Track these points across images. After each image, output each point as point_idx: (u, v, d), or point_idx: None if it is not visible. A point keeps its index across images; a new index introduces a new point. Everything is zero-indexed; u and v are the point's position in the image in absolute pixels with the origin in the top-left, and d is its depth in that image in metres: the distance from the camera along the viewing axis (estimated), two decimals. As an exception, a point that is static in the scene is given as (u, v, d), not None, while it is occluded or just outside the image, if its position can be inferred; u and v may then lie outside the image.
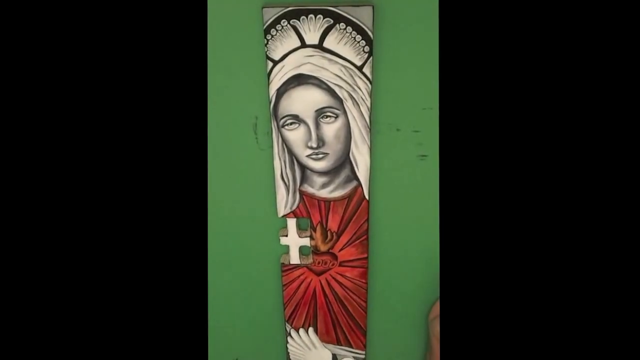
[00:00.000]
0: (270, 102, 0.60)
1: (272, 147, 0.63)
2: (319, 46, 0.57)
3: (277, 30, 0.56)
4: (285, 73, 0.58)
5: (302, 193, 0.66)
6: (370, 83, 0.59)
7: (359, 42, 0.56)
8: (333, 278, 0.72)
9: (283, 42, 0.57)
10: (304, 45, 0.57)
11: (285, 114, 0.61)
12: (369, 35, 0.56)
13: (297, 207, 0.67)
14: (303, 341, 0.77)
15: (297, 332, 0.77)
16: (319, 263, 0.71)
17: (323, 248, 0.70)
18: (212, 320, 0.75)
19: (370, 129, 0.61)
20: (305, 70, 0.58)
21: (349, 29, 0.56)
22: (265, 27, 0.56)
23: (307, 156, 0.63)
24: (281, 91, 0.59)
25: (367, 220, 0.67)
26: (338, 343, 0.77)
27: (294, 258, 0.71)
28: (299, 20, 0.56)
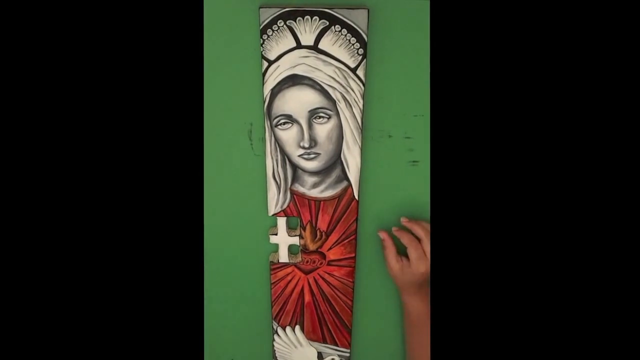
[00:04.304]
0: (264, 102, 0.61)
1: (264, 147, 0.64)
2: (314, 47, 0.57)
3: (273, 31, 0.57)
4: (280, 73, 0.59)
5: (292, 192, 0.67)
6: (364, 85, 0.59)
7: (353, 44, 0.57)
8: (321, 277, 0.72)
9: (279, 43, 0.57)
10: (299, 46, 0.57)
11: (278, 114, 0.61)
12: (363, 38, 0.57)
13: (288, 206, 0.68)
14: (289, 339, 0.78)
15: (284, 330, 0.77)
16: (307, 262, 0.71)
17: (312, 247, 0.70)
18: (205, 315, 0.75)
19: (362, 131, 0.62)
20: (299, 70, 0.59)
21: (344, 31, 0.56)
22: (261, 27, 0.57)
23: (299, 156, 0.63)
24: (275, 91, 0.60)
25: (356, 220, 0.68)
26: (324, 341, 0.78)
27: (283, 256, 0.71)
28: (295, 21, 0.56)
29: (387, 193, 0.68)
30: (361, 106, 0.60)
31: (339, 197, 0.66)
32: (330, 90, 0.59)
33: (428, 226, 0.66)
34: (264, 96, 0.60)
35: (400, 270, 0.67)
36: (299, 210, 0.68)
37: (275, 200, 0.67)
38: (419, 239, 0.66)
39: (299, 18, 0.56)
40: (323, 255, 0.71)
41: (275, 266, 0.72)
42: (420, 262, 0.65)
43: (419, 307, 0.69)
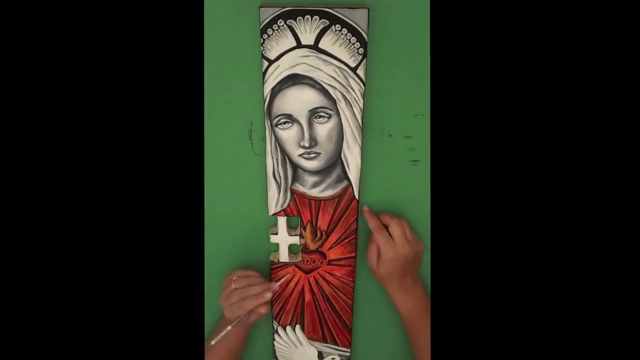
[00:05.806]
0: (264, 101, 0.61)
1: (264, 146, 0.64)
2: (315, 47, 0.57)
3: (273, 30, 0.57)
4: (281, 72, 0.59)
5: (293, 192, 0.67)
6: (364, 85, 0.59)
7: (353, 44, 0.57)
8: (321, 276, 0.73)
9: (279, 42, 0.57)
10: (299, 45, 0.57)
11: (279, 113, 0.61)
12: (363, 38, 0.57)
13: (288, 205, 0.68)
14: (290, 338, 0.78)
15: (284, 329, 0.77)
16: (307, 261, 0.71)
17: (312, 246, 0.70)
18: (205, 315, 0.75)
19: (362, 130, 0.62)
20: (300, 70, 0.59)
21: (344, 30, 0.56)
22: (262, 26, 0.57)
23: (299, 155, 0.63)
24: (276, 90, 0.60)
25: (357, 219, 0.68)
26: (324, 341, 0.78)
27: (284, 256, 0.71)
28: (296, 21, 0.56)
29: (387, 193, 0.68)
30: (361, 105, 0.60)
31: (339, 197, 0.66)
32: (330, 90, 0.59)
33: (389, 216, 0.66)
34: (264, 95, 0.60)
35: (374, 263, 0.67)
36: (299, 210, 0.68)
37: (275, 200, 0.67)
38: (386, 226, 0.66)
39: (299, 17, 0.56)
40: (323, 255, 0.71)
41: (276, 266, 0.72)
42: (387, 247, 0.65)
43: (408, 306, 0.69)
